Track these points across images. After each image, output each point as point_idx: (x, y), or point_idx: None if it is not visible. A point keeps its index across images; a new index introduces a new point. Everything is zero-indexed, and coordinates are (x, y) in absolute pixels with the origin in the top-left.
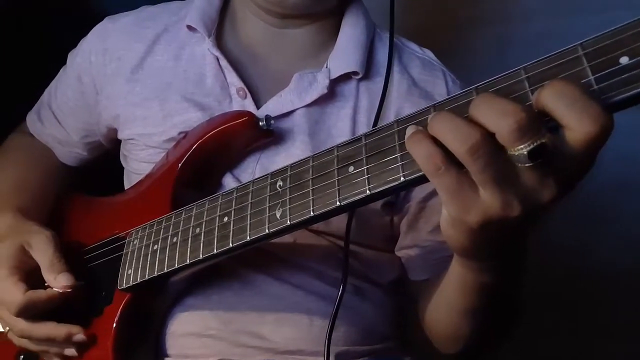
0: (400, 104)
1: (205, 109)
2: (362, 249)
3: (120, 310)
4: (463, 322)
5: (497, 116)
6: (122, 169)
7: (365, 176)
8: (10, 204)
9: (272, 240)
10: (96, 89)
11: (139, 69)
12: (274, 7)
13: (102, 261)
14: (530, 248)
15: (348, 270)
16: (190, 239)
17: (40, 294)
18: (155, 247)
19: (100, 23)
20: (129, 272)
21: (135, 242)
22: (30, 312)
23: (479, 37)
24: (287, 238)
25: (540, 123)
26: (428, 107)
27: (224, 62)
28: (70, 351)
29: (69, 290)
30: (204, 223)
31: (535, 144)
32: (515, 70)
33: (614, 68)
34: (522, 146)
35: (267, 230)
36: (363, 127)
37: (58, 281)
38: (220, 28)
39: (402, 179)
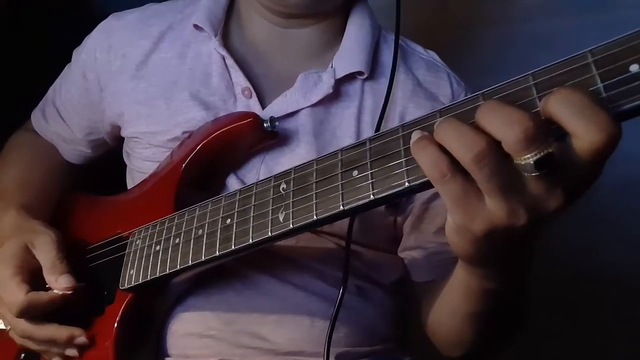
0: (404, 105)
1: (210, 108)
2: (364, 250)
3: (122, 310)
4: (466, 327)
5: (503, 125)
6: (125, 167)
7: (369, 181)
8: (14, 201)
9: None
10: (100, 85)
11: (144, 65)
12: (277, 6)
13: (104, 260)
14: (536, 255)
15: (349, 271)
16: (192, 240)
17: (41, 295)
18: (158, 247)
19: (105, 20)
20: (131, 272)
21: (137, 242)
22: (31, 313)
23: (480, 38)
24: (289, 239)
25: (548, 132)
26: (434, 111)
27: (230, 62)
28: (72, 351)
29: (69, 292)
30: (206, 225)
31: (542, 153)
32: (524, 76)
33: (623, 76)
34: (528, 155)
35: (269, 233)
36: (368, 127)
37: (59, 283)
38: (226, 27)
39: (406, 184)
